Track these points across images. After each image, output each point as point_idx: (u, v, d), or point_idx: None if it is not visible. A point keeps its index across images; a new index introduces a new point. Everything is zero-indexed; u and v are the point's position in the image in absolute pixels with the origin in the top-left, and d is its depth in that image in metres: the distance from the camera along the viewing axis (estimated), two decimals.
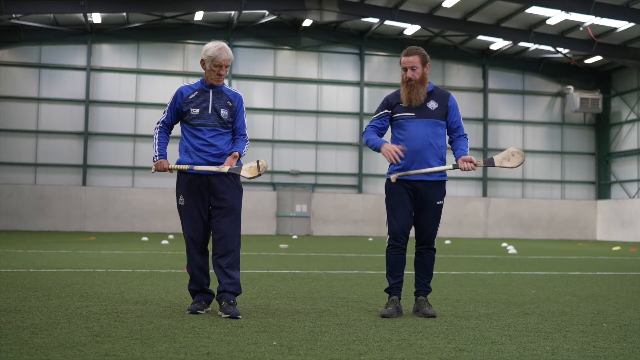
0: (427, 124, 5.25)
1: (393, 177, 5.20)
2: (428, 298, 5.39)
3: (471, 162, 5.19)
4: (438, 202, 5.32)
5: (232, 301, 5.00)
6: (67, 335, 4.01)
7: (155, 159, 5.18)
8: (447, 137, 5.46)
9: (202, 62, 5.16)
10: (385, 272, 5.62)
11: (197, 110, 5.14)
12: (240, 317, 4.87)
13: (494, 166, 5.30)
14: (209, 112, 5.15)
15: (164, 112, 5.26)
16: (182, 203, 5.18)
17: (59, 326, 4.32)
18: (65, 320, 4.55)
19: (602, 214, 31.66)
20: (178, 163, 5.20)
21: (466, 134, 5.42)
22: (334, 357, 3.61)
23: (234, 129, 5.26)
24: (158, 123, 5.28)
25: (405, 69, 5.28)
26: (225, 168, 5.04)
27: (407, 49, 5.34)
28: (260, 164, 5.11)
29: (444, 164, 5.31)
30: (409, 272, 6.17)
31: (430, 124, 5.26)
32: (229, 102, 5.21)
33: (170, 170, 5.14)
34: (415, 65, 5.25)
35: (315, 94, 29.93)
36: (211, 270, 5.30)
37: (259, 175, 5.08)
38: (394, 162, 5.11)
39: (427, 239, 5.34)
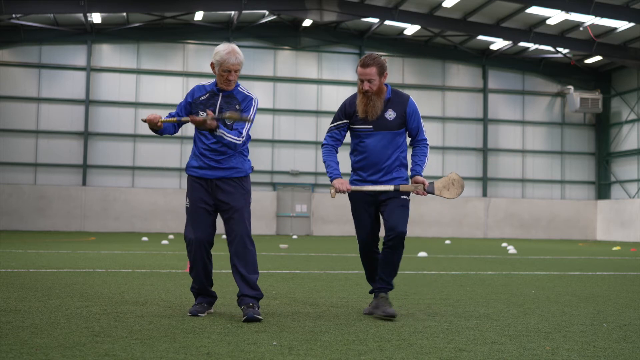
0: (385, 136, 5.12)
1: (333, 193, 5.10)
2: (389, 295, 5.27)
3: (423, 183, 5.12)
4: (403, 197, 5.14)
5: (251, 304, 4.88)
6: (67, 335, 4.01)
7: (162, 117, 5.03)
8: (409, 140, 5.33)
9: (212, 66, 5.07)
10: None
11: (204, 114, 5.02)
12: (260, 317, 4.76)
13: (434, 194, 5.22)
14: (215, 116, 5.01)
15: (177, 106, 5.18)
16: (188, 205, 5.10)
17: (59, 326, 4.32)
18: (65, 320, 4.55)
19: (602, 214, 31.66)
20: (187, 165, 5.15)
21: (425, 139, 5.27)
22: (334, 357, 3.61)
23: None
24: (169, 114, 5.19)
25: (361, 80, 5.06)
26: (206, 116, 4.88)
27: (364, 59, 5.07)
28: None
29: (406, 169, 5.25)
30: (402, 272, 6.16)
31: (388, 135, 5.12)
32: (237, 105, 5.09)
33: (158, 124, 4.92)
34: (372, 78, 5.03)
35: (315, 94, 29.93)
36: (217, 271, 5.26)
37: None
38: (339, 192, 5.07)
39: (399, 233, 5.04)
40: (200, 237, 5.03)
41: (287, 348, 3.80)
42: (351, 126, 5.22)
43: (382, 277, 5.13)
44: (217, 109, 5.05)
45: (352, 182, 5.23)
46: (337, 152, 5.30)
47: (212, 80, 5.22)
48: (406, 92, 32.84)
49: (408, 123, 5.19)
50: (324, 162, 5.24)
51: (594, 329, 4.69)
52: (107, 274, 8.03)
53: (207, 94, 5.13)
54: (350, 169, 5.36)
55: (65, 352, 3.56)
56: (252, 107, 5.14)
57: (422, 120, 5.29)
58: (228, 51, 4.99)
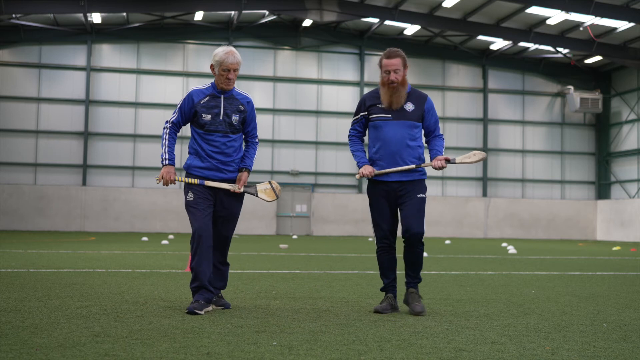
0: (403, 125, 5.32)
1: (358, 176, 5.45)
2: (419, 288, 5.56)
3: (445, 159, 5.32)
4: (419, 195, 5.36)
5: (219, 295, 5.35)
6: (67, 335, 4.01)
7: (164, 162, 5.29)
8: (424, 139, 5.54)
9: (212, 67, 5.27)
10: (378, 272, 5.64)
11: (209, 116, 5.25)
12: (230, 306, 5.32)
13: (455, 163, 5.40)
14: (221, 118, 5.27)
15: (175, 112, 5.35)
16: (191, 199, 5.26)
17: (59, 326, 4.32)
18: (65, 320, 4.55)
19: (602, 214, 31.66)
20: (187, 166, 5.33)
21: (442, 134, 5.52)
22: (334, 357, 3.61)
23: (245, 132, 5.46)
24: (167, 122, 5.37)
25: (387, 72, 5.31)
26: (235, 187, 5.26)
27: (389, 52, 5.37)
28: (274, 186, 5.39)
29: (423, 162, 5.42)
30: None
31: (406, 125, 5.33)
32: (240, 106, 5.35)
33: (174, 182, 5.27)
34: (398, 68, 5.31)
35: (315, 94, 29.93)
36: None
37: (277, 199, 5.29)
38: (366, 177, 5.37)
39: (414, 233, 5.29)
40: (207, 223, 5.23)
41: (287, 348, 3.80)
42: (370, 117, 5.40)
43: (409, 273, 5.43)
44: (221, 111, 5.27)
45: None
46: (362, 142, 5.58)
47: (209, 82, 5.43)
48: None
49: (426, 119, 5.42)
50: (352, 152, 5.55)
51: (594, 329, 4.69)
52: (107, 274, 8.03)
53: (207, 97, 5.31)
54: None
55: (65, 352, 3.56)
56: (253, 110, 5.49)
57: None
58: (226, 51, 5.23)
